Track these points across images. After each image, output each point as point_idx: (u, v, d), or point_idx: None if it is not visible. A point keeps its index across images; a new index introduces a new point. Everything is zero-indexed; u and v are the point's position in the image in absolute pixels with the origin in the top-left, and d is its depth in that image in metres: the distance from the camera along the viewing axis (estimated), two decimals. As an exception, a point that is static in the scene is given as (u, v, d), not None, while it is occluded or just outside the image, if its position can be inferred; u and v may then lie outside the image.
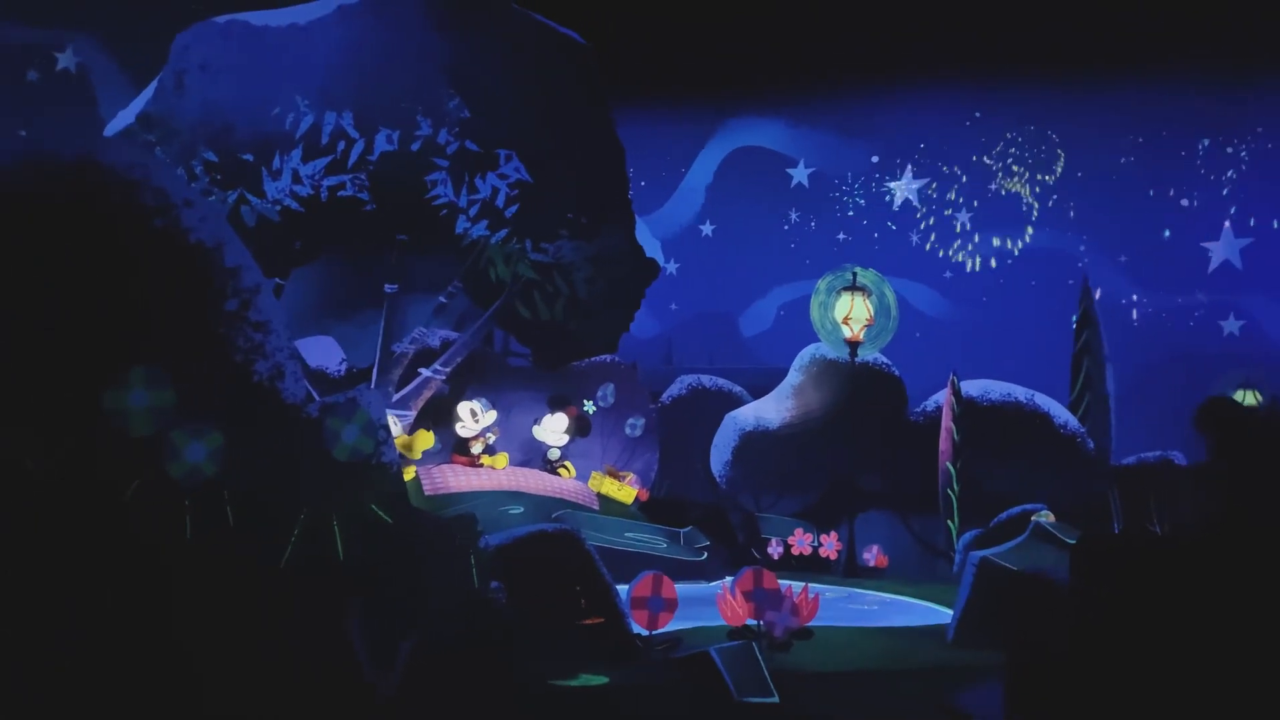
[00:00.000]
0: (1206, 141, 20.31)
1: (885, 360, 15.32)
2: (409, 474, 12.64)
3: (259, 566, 6.34)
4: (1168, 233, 20.58)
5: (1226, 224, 20.12)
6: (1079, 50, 19.32)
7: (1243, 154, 20.13)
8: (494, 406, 13.96)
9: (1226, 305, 20.07)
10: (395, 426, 13.05)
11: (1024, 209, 21.43)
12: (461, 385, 14.10)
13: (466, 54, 13.80)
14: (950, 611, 9.93)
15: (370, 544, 6.75)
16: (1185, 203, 20.44)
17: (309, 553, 6.49)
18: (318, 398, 7.14)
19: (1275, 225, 19.76)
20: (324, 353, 14.21)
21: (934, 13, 19.13)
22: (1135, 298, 20.48)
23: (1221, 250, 20.11)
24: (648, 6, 19.43)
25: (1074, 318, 16.22)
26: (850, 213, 22.35)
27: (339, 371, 14.03)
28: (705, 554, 13.63)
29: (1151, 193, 20.60)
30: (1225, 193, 20.23)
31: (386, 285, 13.91)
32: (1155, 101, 20.22)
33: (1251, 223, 20.01)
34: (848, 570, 14.25)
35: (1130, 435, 15.61)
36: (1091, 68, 19.67)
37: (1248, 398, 17.34)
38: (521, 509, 12.69)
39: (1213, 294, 20.19)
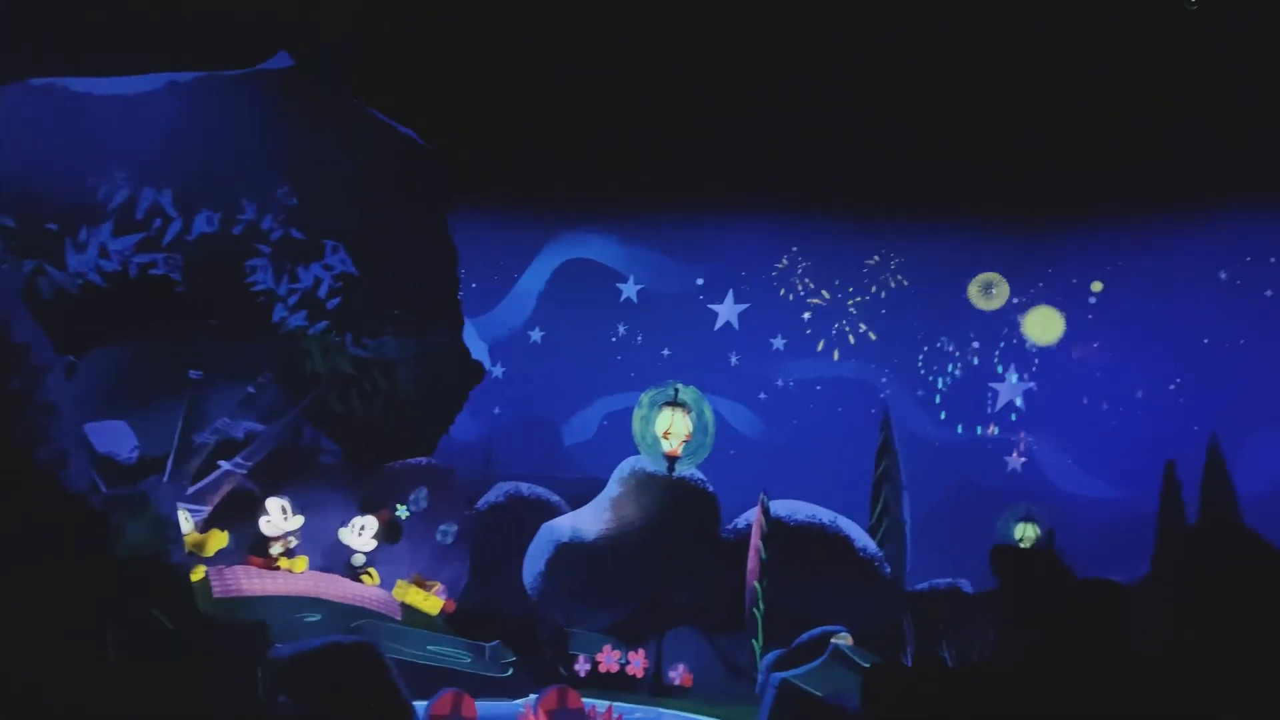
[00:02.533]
0: (995, 289, 22.22)
1: (701, 476, 15.65)
2: (198, 574, 11.84)
3: (21, 671, 5.76)
4: (959, 371, 22.23)
5: (1012, 367, 21.93)
6: (889, 194, 20.90)
7: (1029, 302, 22.09)
8: (298, 506, 13.34)
9: (1011, 443, 21.71)
10: (187, 522, 12.26)
11: (833, 339, 22.68)
12: (266, 481, 13.44)
13: (301, 143, 13.70)
14: (751, 733, 10.02)
15: (148, 651, 6.27)
16: (977, 344, 22.18)
17: (77, 659, 5.96)
18: (104, 489, 6.69)
19: (1053, 371, 21.65)
20: (114, 438, 13.28)
21: (757, 149, 20.34)
22: (930, 430, 21.87)
23: (1006, 391, 21.86)
24: (494, 114, 19.81)
25: (876, 445, 17.08)
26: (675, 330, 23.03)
27: (130, 459, 13.12)
28: (511, 670, 13.29)
29: (947, 333, 22.26)
30: (1012, 337, 22.09)
31: (191, 371, 13.23)
32: (954, 249, 22.05)
33: (1034, 368, 21.87)
34: (654, 689, 14.17)
35: (922, 561, 16.42)
36: (898, 212, 21.32)
37: (1028, 531, 18.68)
38: (319, 617, 12.09)
39: (999, 431, 21.82)
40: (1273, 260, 20.01)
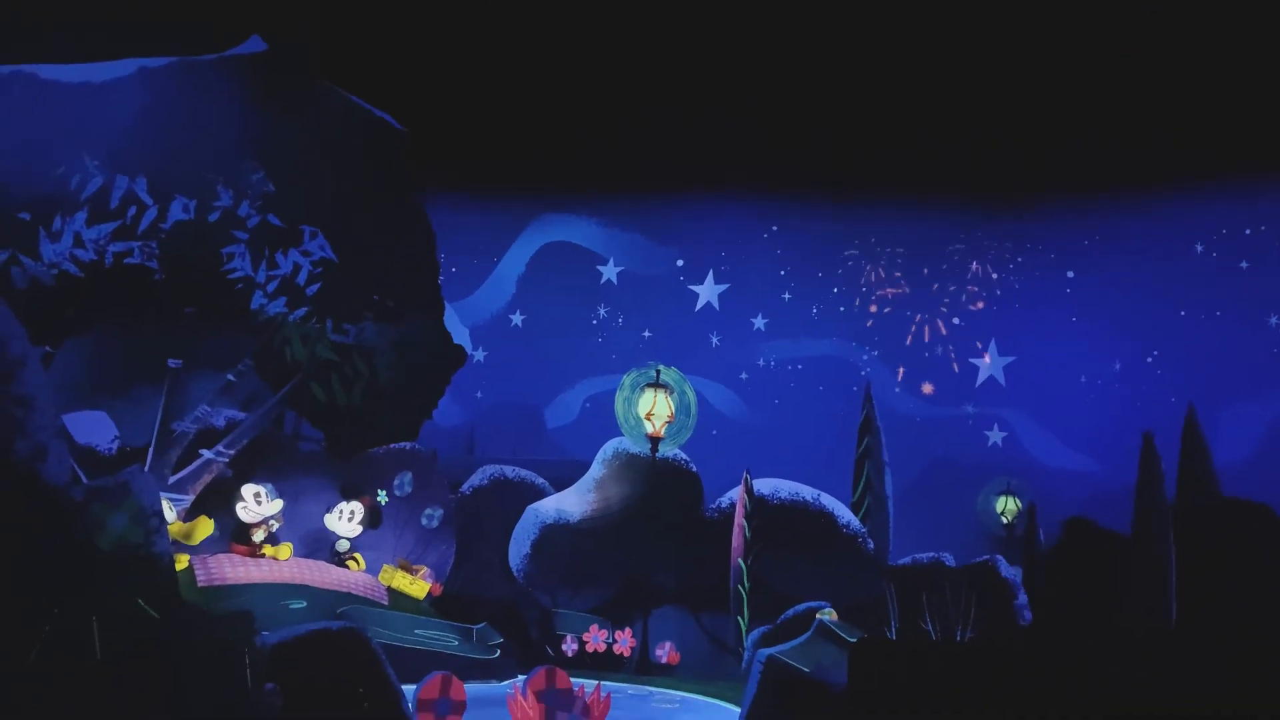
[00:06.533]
0: (975, 265, 22.34)
1: (684, 456, 15.69)
2: (182, 563, 11.79)
3: (6, 664, 5.73)
4: (940, 348, 22.35)
5: (992, 343, 22.06)
6: (867, 174, 20.95)
7: (1007, 279, 22.23)
8: (280, 493, 13.28)
9: (991, 417, 21.86)
10: (170, 512, 12.20)
11: (814, 318, 22.74)
12: (247, 469, 13.37)
13: (276, 128, 13.54)
14: (738, 709, 10.09)
15: (134, 642, 6.25)
16: (957, 321, 22.30)
17: (63, 651, 5.93)
18: (85, 480, 6.64)
19: (1032, 346, 21.80)
20: (94, 429, 13.19)
21: (736, 129, 20.32)
22: (911, 406, 22.00)
23: (987, 367, 22.00)
24: (472, 97, 19.71)
25: (858, 422, 17.15)
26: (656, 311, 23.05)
27: (110, 450, 13.04)
28: (498, 652, 13.32)
29: (927, 311, 22.38)
30: (991, 313, 22.22)
31: (170, 360, 13.13)
32: (931, 227, 22.15)
33: (1013, 343, 22.02)
34: (640, 667, 14.26)
35: (905, 536, 16.53)
36: (876, 192, 21.39)
37: (1009, 504, 18.85)
38: (304, 604, 12.06)
39: (979, 406, 21.97)
40: (1248, 233, 20.22)
